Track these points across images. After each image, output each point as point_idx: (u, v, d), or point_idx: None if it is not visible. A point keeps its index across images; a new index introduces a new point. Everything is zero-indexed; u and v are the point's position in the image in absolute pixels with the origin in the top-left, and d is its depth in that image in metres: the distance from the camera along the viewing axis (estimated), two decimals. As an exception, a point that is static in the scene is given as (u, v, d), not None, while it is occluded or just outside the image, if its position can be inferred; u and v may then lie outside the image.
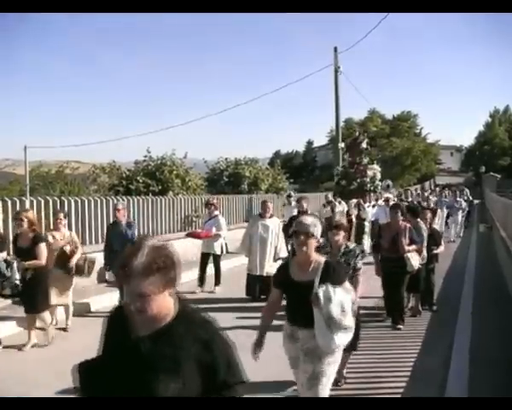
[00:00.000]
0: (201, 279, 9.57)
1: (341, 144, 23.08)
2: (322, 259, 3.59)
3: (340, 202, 15.70)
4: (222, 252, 9.82)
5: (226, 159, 20.76)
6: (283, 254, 8.95)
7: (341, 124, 24.82)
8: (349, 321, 3.39)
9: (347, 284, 3.64)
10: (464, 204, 19.88)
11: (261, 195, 18.66)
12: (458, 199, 19.53)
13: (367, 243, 13.77)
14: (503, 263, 11.18)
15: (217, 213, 9.88)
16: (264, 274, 8.61)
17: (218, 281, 9.65)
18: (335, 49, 21.80)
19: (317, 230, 3.53)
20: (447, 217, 18.55)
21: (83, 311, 7.83)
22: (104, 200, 11.00)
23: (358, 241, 13.04)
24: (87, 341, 6.04)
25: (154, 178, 15.67)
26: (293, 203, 13.90)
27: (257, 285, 8.76)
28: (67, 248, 6.95)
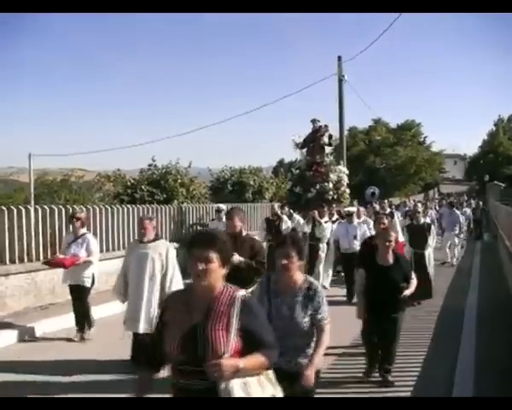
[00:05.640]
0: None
1: (294, 137, 16.72)
2: None
3: (290, 216, 11.84)
4: (92, 284, 7.30)
5: (230, 167, 20.79)
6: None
7: (345, 132, 24.80)
8: None
9: None
10: (462, 218, 16.29)
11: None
12: (457, 212, 16.06)
13: (323, 273, 10.75)
14: (508, 272, 11.13)
15: (84, 230, 7.37)
16: (140, 331, 5.65)
17: (88, 323, 7.23)
18: (339, 58, 21.85)
19: None
20: (442, 233, 15.63)
21: None
22: (109, 208, 11.06)
23: (311, 270, 10.23)
24: None
25: (159, 187, 15.73)
26: (225, 218, 11.31)
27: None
28: None
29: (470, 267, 13.58)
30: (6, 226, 8.66)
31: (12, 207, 9.24)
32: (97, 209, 10.72)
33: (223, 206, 12.30)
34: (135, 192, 15.43)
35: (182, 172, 16.58)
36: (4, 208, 8.88)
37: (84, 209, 9.91)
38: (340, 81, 21.14)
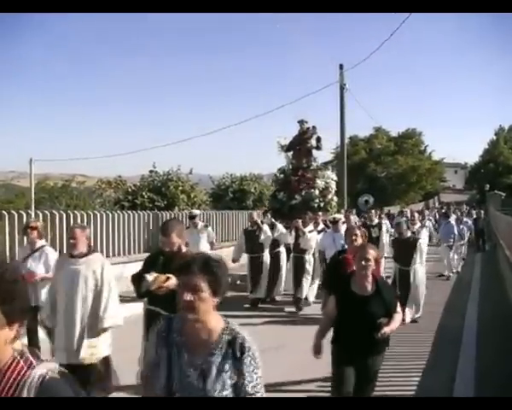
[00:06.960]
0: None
1: (279, 139, 15.29)
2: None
3: (272, 225, 10.52)
4: None
5: (231, 175, 20.85)
6: (114, 320, 4.67)
7: (346, 141, 24.82)
8: None
9: None
10: (461, 229, 15.78)
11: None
12: (452, 222, 15.11)
13: (307, 286, 9.66)
14: (508, 282, 11.12)
15: (43, 242, 6.39)
16: (77, 361, 4.49)
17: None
18: (341, 66, 21.91)
19: None
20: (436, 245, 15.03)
21: None
22: (110, 214, 11.09)
23: (297, 284, 9.57)
24: None
25: (160, 194, 15.78)
26: (200, 225, 10.38)
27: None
28: None
29: (470, 278, 13.53)
30: (7, 231, 8.68)
31: (13, 211, 9.26)
32: (98, 215, 10.75)
33: (196, 211, 11.23)
34: (136, 198, 15.47)
35: (183, 179, 16.64)
36: (5, 213, 8.92)
37: (41, 217, 9.31)
38: (342, 89, 21.21)
